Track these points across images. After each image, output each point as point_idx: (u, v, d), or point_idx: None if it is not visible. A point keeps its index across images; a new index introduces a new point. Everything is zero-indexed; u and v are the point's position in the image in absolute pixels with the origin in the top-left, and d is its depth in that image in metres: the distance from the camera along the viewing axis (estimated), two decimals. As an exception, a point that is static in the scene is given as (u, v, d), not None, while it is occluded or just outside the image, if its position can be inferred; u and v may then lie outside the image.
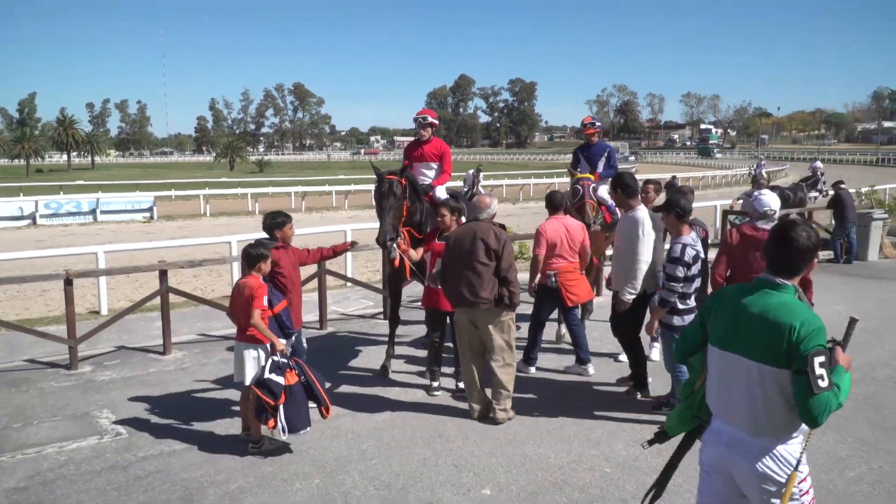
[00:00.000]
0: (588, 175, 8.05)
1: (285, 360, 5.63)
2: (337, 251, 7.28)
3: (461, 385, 7.09)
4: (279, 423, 5.50)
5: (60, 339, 8.35)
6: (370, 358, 8.44)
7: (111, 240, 21.46)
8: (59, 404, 7.04)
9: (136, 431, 6.30)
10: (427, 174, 8.19)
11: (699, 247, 6.17)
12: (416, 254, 7.12)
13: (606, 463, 5.60)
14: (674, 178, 17.75)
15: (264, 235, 6.63)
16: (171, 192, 37.37)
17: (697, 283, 6.20)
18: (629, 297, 6.65)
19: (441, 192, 8.04)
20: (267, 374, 5.50)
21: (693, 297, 6.18)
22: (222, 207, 33.49)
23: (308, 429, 5.70)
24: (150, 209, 30.88)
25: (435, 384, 7.18)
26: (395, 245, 6.87)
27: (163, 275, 8.78)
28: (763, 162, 33.82)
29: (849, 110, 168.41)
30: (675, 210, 6.23)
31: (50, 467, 5.62)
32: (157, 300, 8.94)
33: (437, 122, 8.38)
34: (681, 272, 6.03)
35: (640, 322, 6.91)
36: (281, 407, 5.48)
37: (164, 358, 8.58)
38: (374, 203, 7.37)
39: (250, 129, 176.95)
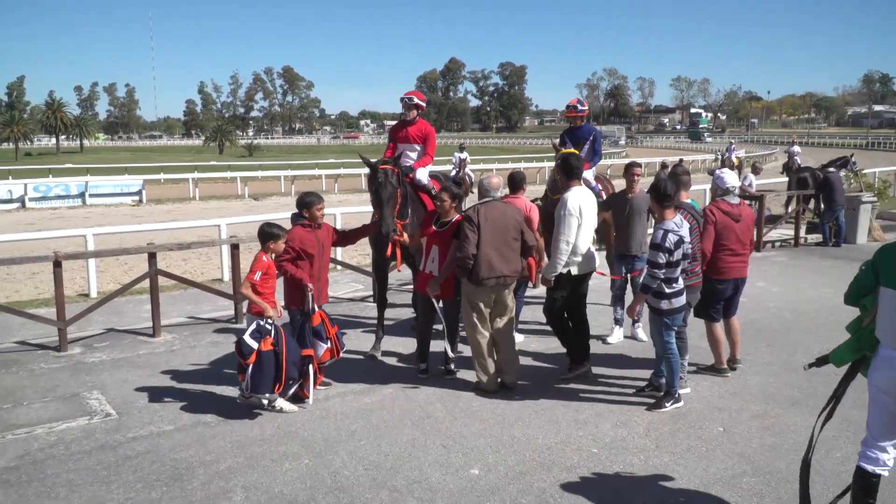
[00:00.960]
0: (574, 150, 7.96)
1: (269, 328, 6.03)
2: (362, 234, 7.35)
3: (452, 367, 7.14)
4: (246, 380, 6.01)
5: (50, 322, 8.33)
6: (359, 340, 8.46)
7: (100, 223, 21.33)
8: (48, 386, 7.03)
9: (125, 412, 6.31)
10: (410, 156, 8.11)
11: (683, 231, 6.12)
12: (410, 240, 7.09)
13: (594, 443, 5.64)
14: (681, 161, 17.71)
15: (259, 219, 6.75)
16: (160, 176, 37.10)
17: (684, 265, 6.21)
18: (549, 274, 6.79)
19: (422, 175, 7.99)
20: (245, 336, 6.00)
21: (680, 280, 6.20)
22: (212, 191, 33.31)
23: (269, 394, 6.06)
24: (139, 192, 30.74)
25: (423, 366, 7.23)
26: (397, 233, 6.89)
27: (151, 257, 8.75)
28: (733, 146, 34.18)
29: (839, 94, 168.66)
30: (654, 194, 6.25)
31: (40, 447, 5.63)
32: (147, 283, 8.92)
33: (423, 103, 8.30)
34: (662, 258, 6.00)
35: (577, 300, 7.02)
36: (250, 367, 5.95)
37: (154, 340, 8.58)
38: (369, 192, 7.33)
39: (240, 113, 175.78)
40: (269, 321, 6.07)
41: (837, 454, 5.46)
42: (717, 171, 7.51)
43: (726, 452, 5.49)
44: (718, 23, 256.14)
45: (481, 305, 6.66)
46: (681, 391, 6.47)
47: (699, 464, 5.30)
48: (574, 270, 6.82)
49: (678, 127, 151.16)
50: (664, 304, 6.19)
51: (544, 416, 6.20)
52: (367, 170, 7.28)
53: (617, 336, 8.40)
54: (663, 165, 15.80)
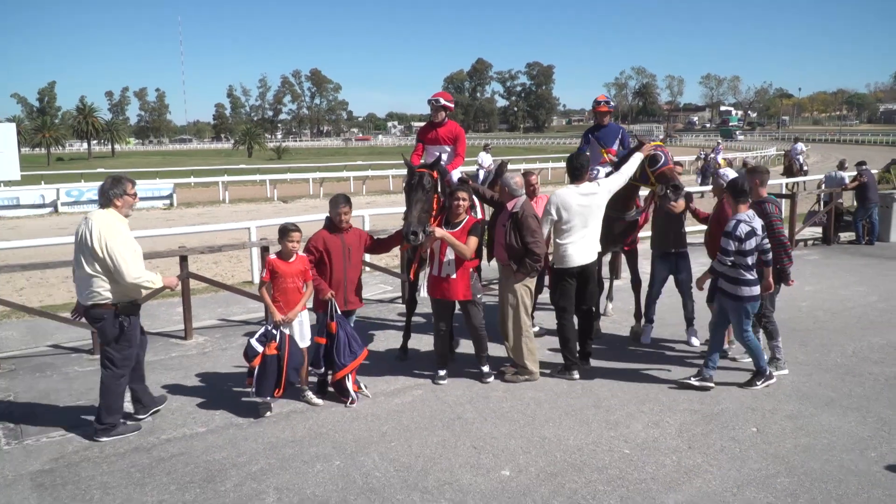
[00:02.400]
0: (659, 142, 7.78)
1: (275, 333, 6.19)
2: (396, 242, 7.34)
3: (486, 370, 7.12)
4: (253, 383, 6.20)
5: (83, 325, 8.43)
6: (389, 342, 8.49)
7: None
8: (82, 389, 7.14)
9: (158, 414, 6.38)
10: (442, 157, 8.10)
11: (755, 223, 6.57)
12: (443, 231, 6.89)
13: (625, 444, 5.61)
14: (745, 162, 17.58)
15: (283, 220, 6.82)
16: (190, 179, 37.54)
17: (755, 256, 6.57)
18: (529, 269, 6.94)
19: (456, 176, 7.96)
20: (252, 339, 6.18)
21: (754, 269, 6.61)
22: (241, 194, 33.65)
23: (267, 398, 6.24)
24: (169, 196, 31.08)
25: (442, 373, 7.12)
26: (418, 239, 6.74)
27: (183, 260, 8.86)
28: (719, 147, 34.66)
29: (871, 90, 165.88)
30: (731, 190, 6.78)
31: (75, 450, 5.71)
32: (179, 286, 9.02)
33: (451, 104, 8.22)
34: (731, 245, 6.46)
35: (565, 294, 7.17)
36: (255, 370, 6.12)
37: (186, 343, 8.68)
38: (403, 193, 7.29)
39: (268, 116, 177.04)
40: (274, 326, 6.23)
41: (872, 454, 5.38)
42: (721, 171, 8.07)
43: (760, 453, 5.42)
44: (748, 19, 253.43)
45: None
46: (779, 372, 7.02)
47: (733, 464, 5.24)
48: (568, 263, 7.02)
49: (707, 125, 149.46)
50: (745, 291, 6.53)
51: (575, 417, 6.17)
52: (393, 171, 7.30)
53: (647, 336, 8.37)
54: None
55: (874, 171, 17.01)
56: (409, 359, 7.80)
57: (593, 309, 7.53)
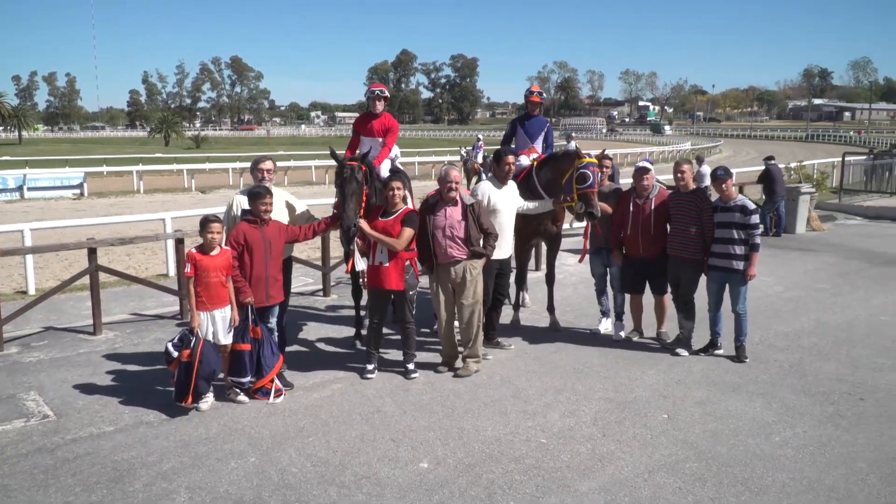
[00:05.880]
0: (593, 160, 7.83)
1: (191, 338, 6.06)
2: (317, 231, 7.10)
3: (411, 366, 7.07)
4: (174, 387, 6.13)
5: None
6: (310, 334, 8.38)
7: (39, 217, 20.71)
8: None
9: (64, 414, 6.13)
10: (377, 149, 8.04)
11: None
12: (368, 228, 6.84)
13: (542, 434, 5.69)
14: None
15: (201, 212, 6.62)
16: (102, 168, 36.15)
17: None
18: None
19: (384, 169, 7.85)
20: (169, 344, 6.13)
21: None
22: (157, 184, 32.60)
23: (181, 404, 6.06)
24: (80, 185, 29.81)
25: (370, 367, 7.05)
26: (358, 232, 6.70)
27: (91, 252, 8.52)
28: (480, 144, 35.60)
29: (780, 88, 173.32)
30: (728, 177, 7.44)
31: (-28, 452, 5.43)
32: (87, 279, 8.67)
33: (388, 95, 8.31)
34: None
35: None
36: (175, 373, 6.06)
37: (95, 338, 8.35)
38: (335, 186, 7.15)
39: (186, 104, 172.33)
40: (189, 330, 6.10)
41: (776, 438, 5.61)
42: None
43: (670, 439, 5.59)
44: (665, 16, 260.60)
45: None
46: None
47: (644, 451, 5.39)
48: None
49: (626, 120, 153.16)
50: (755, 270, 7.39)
51: (493, 407, 6.22)
52: (316, 162, 7.18)
53: (605, 326, 8.51)
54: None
55: (781, 166, 17.71)
56: (329, 353, 7.72)
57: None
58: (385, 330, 7.35)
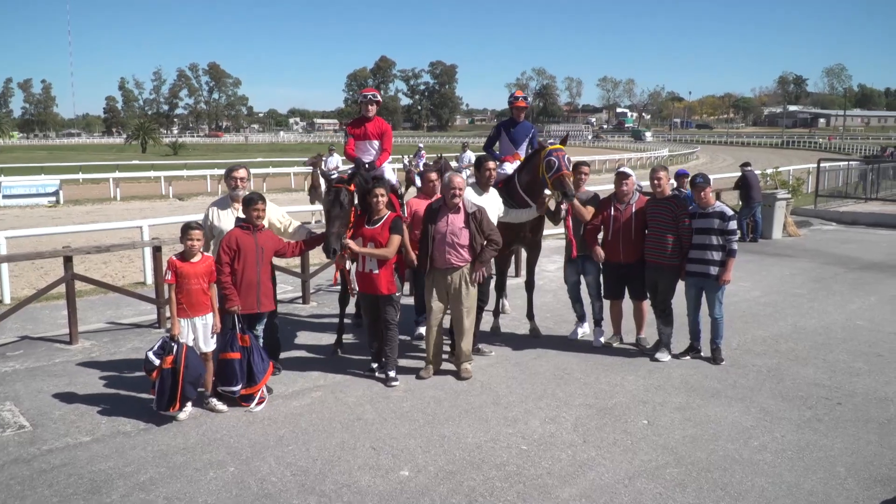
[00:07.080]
0: (560, 146, 7.89)
1: (173, 345, 5.98)
2: (303, 250, 7.19)
3: (392, 373, 7.06)
4: (154, 396, 6.07)
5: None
6: (290, 342, 8.33)
7: (14, 225, 20.42)
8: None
9: (40, 424, 6.04)
10: (371, 151, 8.14)
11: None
12: (358, 247, 6.93)
13: (523, 440, 5.70)
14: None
15: (184, 220, 6.72)
16: (78, 175, 35.67)
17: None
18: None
19: (387, 171, 8.05)
20: (149, 352, 6.03)
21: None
22: (134, 191, 32.25)
23: (165, 413, 6.03)
24: (55, 193, 29.40)
25: (375, 365, 7.21)
26: (338, 253, 6.84)
27: (67, 261, 8.42)
28: (422, 153, 35.83)
29: (756, 94, 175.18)
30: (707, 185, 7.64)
31: (-55, 465, 5.33)
32: (64, 287, 8.56)
33: (381, 100, 8.42)
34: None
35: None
36: (155, 382, 5.97)
37: (71, 347, 8.24)
38: (307, 193, 7.26)
39: (163, 111, 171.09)
40: (170, 337, 6.03)
41: (755, 443, 5.66)
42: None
43: (650, 444, 5.62)
44: (643, 22, 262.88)
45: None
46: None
47: (624, 456, 5.41)
48: None
49: (605, 126, 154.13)
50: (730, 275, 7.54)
51: (474, 414, 6.22)
52: (295, 169, 7.22)
53: (582, 330, 8.58)
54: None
55: (757, 172, 17.90)
56: (309, 361, 7.68)
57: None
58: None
